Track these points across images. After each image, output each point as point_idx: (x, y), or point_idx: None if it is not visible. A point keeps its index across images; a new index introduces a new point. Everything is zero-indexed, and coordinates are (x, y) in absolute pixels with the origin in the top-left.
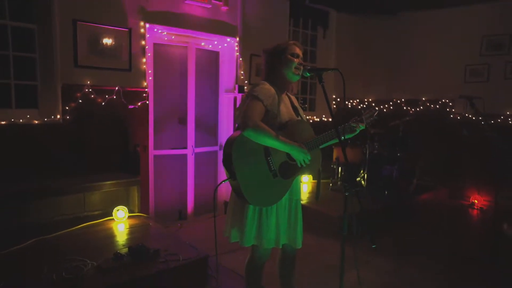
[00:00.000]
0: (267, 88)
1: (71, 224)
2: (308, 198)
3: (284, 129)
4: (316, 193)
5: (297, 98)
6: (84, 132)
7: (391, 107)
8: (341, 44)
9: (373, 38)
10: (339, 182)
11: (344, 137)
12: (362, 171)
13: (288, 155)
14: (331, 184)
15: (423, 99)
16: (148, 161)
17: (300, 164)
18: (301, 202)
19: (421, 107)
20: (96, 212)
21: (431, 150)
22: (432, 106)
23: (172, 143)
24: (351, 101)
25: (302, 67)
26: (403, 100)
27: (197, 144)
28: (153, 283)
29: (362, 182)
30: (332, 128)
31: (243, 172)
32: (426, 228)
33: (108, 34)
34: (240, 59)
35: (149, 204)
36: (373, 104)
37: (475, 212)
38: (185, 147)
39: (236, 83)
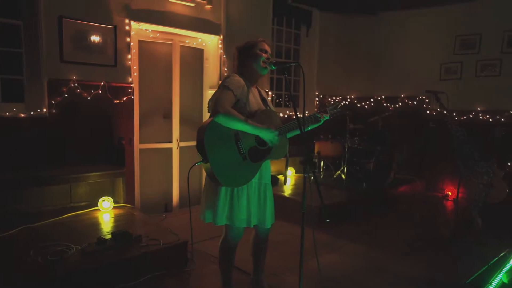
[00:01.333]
0: (237, 79)
1: (58, 214)
2: (291, 190)
3: (253, 118)
4: (284, 178)
5: (277, 95)
6: (70, 125)
7: (372, 104)
8: (324, 43)
9: (355, 37)
10: (321, 176)
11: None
12: (342, 165)
13: (257, 140)
14: (312, 177)
15: (402, 96)
16: (134, 154)
17: (270, 146)
18: (283, 194)
19: (400, 104)
20: (82, 203)
21: (408, 144)
22: (410, 102)
23: (157, 137)
24: (333, 98)
25: (269, 62)
26: (383, 97)
27: (182, 139)
28: (134, 266)
29: (342, 175)
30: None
31: (214, 155)
32: (399, 218)
33: (94, 30)
34: (224, 56)
35: (134, 196)
36: (355, 101)
37: (449, 203)
38: (170, 141)
39: (220, 79)
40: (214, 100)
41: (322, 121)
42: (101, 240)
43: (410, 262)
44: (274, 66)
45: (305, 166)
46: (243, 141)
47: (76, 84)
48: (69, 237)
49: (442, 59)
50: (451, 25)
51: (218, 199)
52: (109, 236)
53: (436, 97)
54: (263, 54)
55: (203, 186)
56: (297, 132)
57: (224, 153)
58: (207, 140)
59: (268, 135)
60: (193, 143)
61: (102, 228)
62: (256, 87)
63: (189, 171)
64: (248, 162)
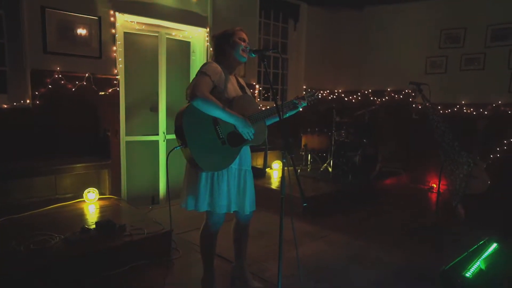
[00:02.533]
0: (214, 66)
1: (43, 206)
2: (278, 182)
3: (231, 104)
4: (263, 164)
5: (265, 90)
6: (55, 117)
7: (359, 98)
8: (311, 37)
9: (342, 31)
10: (308, 169)
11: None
12: (328, 158)
13: (235, 125)
14: (299, 170)
15: (388, 89)
16: (119, 146)
17: (246, 136)
18: (270, 186)
19: (386, 97)
20: (67, 195)
21: (394, 137)
22: (396, 96)
23: (144, 129)
24: (321, 92)
25: (248, 50)
26: (370, 90)
27: (168, 131)
28: (118, 254)
29: (329, 168)
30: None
31: (193, 140)
32: (384, 209)
33: (78, 21)
34: (211, 49)
35: (120, 188)
36: (342, 95)
37: (433, 195)
38: (157, 134)
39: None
40: (191, 86)
41: (299, 108)
42: (85, 230)
43: (392, 250)
44: (254, 54)
45: (284, 151)
46: (222, 125)
47: (60, 76)
48: (53, 227)
49: (427, 53)
50: (437, 19)
51: (199, 185)
52: (93, 225)
53: (418, 88)
54: (242, 43)
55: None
56: (277, 119)
57: (203, 137)
58: (185, 124)
59: (244, 129)
60: None
61: (86, 219)
62: (234, 75)
63: (167, 156)
64: (227, 146)
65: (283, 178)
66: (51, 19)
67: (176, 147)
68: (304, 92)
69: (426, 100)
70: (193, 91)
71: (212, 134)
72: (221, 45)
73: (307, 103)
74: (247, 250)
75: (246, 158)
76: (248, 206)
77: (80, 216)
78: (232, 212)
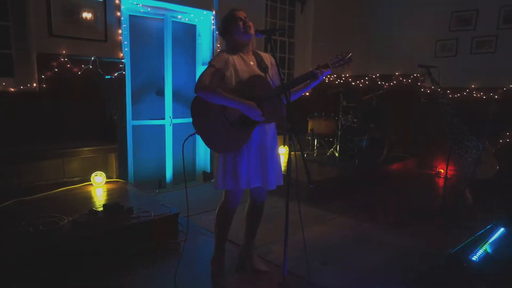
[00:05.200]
0: (219, 55)
1: (51, 189)
2: (284, 166)
3: (243, 86)
4: (291, 143)
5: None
6: (61, 100)
7: (367, 82)
8: (318, 20)
9: (350, 14)
10: (314, 154)
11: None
12: (335, 143)
13: None
14: (305, 155)
15: (397, 73)
16: (126, 130)
17: (255, 118)
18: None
19: (395, 82)
20: (75, 179)
21: (402, 122)
22: (404, 80)
23: (150, 114)
24: (328, 76)
25: (251, 26)
26: (378, 75)
27: (175, 115)
28: (125, 236)
29: (335, 152)
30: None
31: (201, 126)
32: (391, 193)
33: (83, 4)
34: (217, 32)
35: (127, 172)
36: (350, 80)
37: (440, 180)
38: (163, 118)
39: (213, 55)
40: (199, 78)
41: (320, 78)
42: (93, 212)
43: (399, 233)
44: (260, 34)
45: (290, 133)
46: (230, 109)
47: (66, 59)
48: (62, 210)
49: (437, 36)
50: (447, 1)
51: (220, 164)
52: (101, 208)
53: (427, 71)
54: (239, 22)
55: (196, 162)
56: (301, 92)
57: (212, 122)
58: (193, 113)
59: (250, 112)
60: (187, 120)
61: (94, 202)
62: (254, 54)
63: (184, 142)
64: (236, 128)
65: (289, 161)
66: (56, 1)
67: (191, 135)
68: (332, 58)
69: (435, 84)
70: (197, 84)
71: (221, 119)
72: (224, 31)
73: (331, 69)
74: (258, 229)
75: (267, 136)
76: (274, 181)
77: (88, 199)
78: (251, 187)
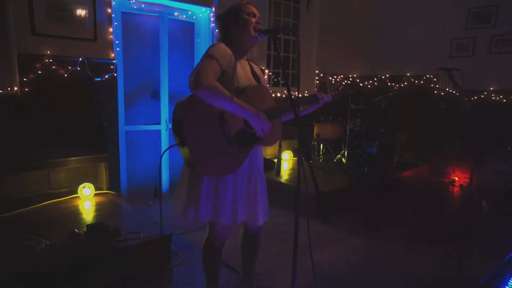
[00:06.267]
0: (223, 47)
1: (36, 202)
2: (287, 175)
3: (241, 95)
4: (276, 168)
5: (274, 74)
6: (46, 105)
7: (376, 83)
8: (325, 17)
9: (358, 10)
10: (320, 160)
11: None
12: (342, 148)
13: (246, 122)
14: (311, 162)
15: (408, 74)
16: (118, 136)
17: (259, 133)
18: (279, 179)
19: (405, 83)
20: (62, 190)
21: (413, 126)
22: (416, 81)
23: (145, 118)
24: (335, 77)
25: (260, 28)
26: (387, 76)
27: (171, 120)
28: (110, 262)
29: (343, 159)
30: (290, 96)
31: (194, 137)
32: (404, 206)
33: (70, 0)
34: (217, 30)
35: (120, 181)
36: (357, 80)
37: (455, 189)
38: (159, 123)
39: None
40: (195, 72)
41: (321, 104)
42: (74, 234)
43: (416, 256)
44: (264, 34)
45: (299, 156)
46: (229, 121)
47: (50, 60)
48: (42, 229)
49: (452, 34)
50: None
51: (200, 190)
52: (85, 228)
53: (449, 75)
54: (252, 19)
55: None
56: (293, 116)
57: (205, 135)
58: (185, 118)
59: (257, 123)
60: None
61: (79, 218)
62: (248, 61)
63: (162, 155)
64: (235, 147)
65: (298, 189)
66: None
67: (172, 146)
68: (328, 85)
69: (458, 88)
70: (197, 77)
71: (217, 132)
72: (228, 25)
73: (331, 99)
74: (256, 261)
75: (257, 159)
76: (261, 216)
77: (72, 215)
78: (238, 223)
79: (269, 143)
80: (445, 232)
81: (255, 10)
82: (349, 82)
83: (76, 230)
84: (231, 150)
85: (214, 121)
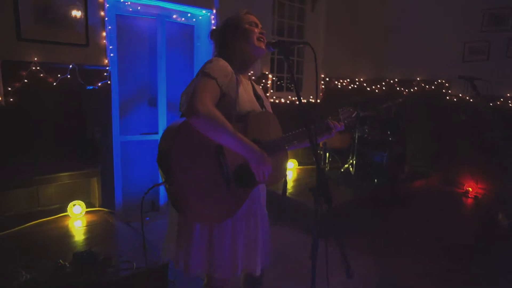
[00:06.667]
0: (222, 64)
1: (23, 221)
2: (293, 187)
3: (243, 122)
4: (279, 209)
5: (278, 78)
6: (33, 116)
7: (383, 88)
8: (331, 19)
9: (366, 11)
10: (327, 169)
11: (315, 140)
12: (350, 157)
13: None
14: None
15: (418, 79)
16: (112, 148)
17: (259, 178)
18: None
19: (415, 88)
20: (52, 207)
21: (424, 134)
22: (427, 86)
23: (141, 127)
24: (340, 81)
25: (264, 38)
26: (396, 80)
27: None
28: None
29: (351, 168)
30: (307, 124)
31: (183, 175)
32: (416, 220)
33: (59, 2)
34: (213, 36)
35: (114, 195)
36: (364, 85)
37: (469, 201)
38: (157, 132)
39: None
40: (190, 94)
41: (333, 134)
42: (58, 266)
43: (434, 281)
44: (274, 48)
45: (316, 195)
46: (228, 155)
47: (38, 67)
48: (24, 256)
49: (466, 37)
50: None
51: (191, 238)
52: (71, 257)
53: (471, 84)
54: (254, 29)
55: None
56: (303, 145)
57: (198, 173)
58: (175, 151)
59: (258, 165)
60: None
61: (68, 243)
62: (250, 81)
63: (143, 197)
64: (234, 187)
65: (314, 237)
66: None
67: (156, 185)
68: (340, 110)
69: (481, 99)
70: (192, 102)
71: (213, 168)
72: (226, 38)
73: (344, 127)
74: None
75: (259, 197)
76: (260, 263)
77: (60, 238)
78: (239, 275)
79: (273, 181)
80: (464, 250)
81: (256, 20)
82: (355, 86)
83: (61, 261)
84: (228, 191)
85: (210, 154)
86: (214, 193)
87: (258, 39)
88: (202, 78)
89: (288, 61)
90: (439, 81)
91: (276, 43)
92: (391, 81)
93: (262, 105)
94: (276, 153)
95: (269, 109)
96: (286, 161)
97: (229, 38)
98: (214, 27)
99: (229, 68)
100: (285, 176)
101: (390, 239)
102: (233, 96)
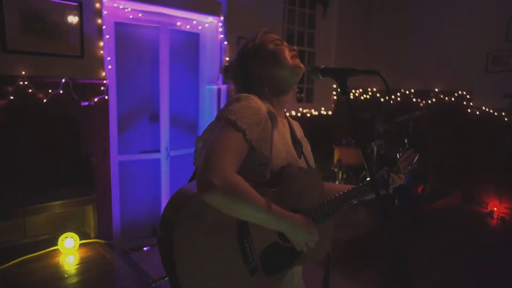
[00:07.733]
0: (253, 106)
1: (6, 256)
2: None
3: (277, 184)
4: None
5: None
6: (21, 137)
7: (399, 99)
8: (343, 26)
9: (379, 18)
10: None
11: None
12: (367, 175)
13: (280, 232)
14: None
15: (436, 90)
16: (110, 170)
17: (301, 248)
18: None
19: (434, 100)
20: (41, 237)
21: (445, 149)
22: (446, 98)
23: (142, 145)
24: (353, 91)
25: (296, 55)
26: (412, 91)
27: (172, 146)
28: None
29: None
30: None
31: (193, 267)
32: (440, 247)
33: (50, 9)
34: (225, 42)
35: (112, 223)
36: (378, 95)
37: (494, 221)
38: (158, 150)
39: (221, 71)
40: (206, 153)
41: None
42: None
43: None
44: (323, 75)
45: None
46: (255, 236)
47: (26, 82)
48: None
49: (489, 46)
50: (503, 3)
51: None
52: None
53: None
54: (282, 47)
55: None
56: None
57: (213, 262)
58: (181, 236)
59: (300, 235)
60: (187, 151)
61: (58, 287)
62: (286, 118)
63: None
64: (261, 276)
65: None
66: (13, 5)
67: (158, 281)
68: (399, 160)
69: None
70: (206, 172)
71: (233, 256)
72: (249, 69)
73: (405, 175)
74: None
75: (293, 277)
76: None
77: (46, 282)
78: None
79: (315, 259)
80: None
81: (279, 37)
82: (368, 96)
83: None
84: (254, 282)
85: (231, 237)
86: (236, 285)
87: (293, 57)
88: (225, 129)
89: (346, 94)
90: (460, 92)
91: (326, 69)
92: (407, 92)
93: (301, 153)
94: (325, 220)
95: (308, 151)
96: (331, 230)
97: (253, 68)
98: (227, 63)
99: (263, 109)
100: (329, 250)
101: (416, 273)
102: (265, 154)
